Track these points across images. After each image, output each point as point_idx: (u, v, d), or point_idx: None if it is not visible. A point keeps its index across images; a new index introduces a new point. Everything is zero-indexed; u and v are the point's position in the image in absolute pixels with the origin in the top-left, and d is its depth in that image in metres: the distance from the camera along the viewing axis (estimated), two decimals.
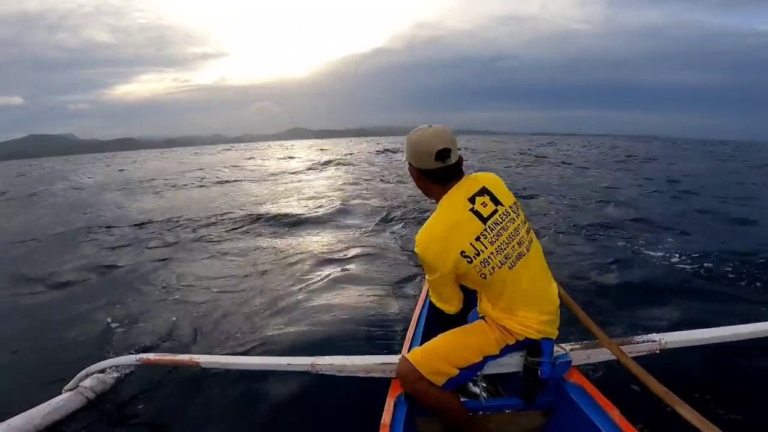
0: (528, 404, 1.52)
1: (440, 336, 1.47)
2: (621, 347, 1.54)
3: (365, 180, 11.60)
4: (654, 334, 1.61)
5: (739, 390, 1.92)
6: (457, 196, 1.38)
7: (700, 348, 1.65)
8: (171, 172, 18.53)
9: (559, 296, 1.54)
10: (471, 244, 1.31)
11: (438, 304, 1.51)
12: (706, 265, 3.88)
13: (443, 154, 1.33)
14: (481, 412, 1.55)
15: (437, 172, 1.37)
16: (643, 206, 7.03)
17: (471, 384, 1.68)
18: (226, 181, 13.17)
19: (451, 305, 1.49)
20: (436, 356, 1.40)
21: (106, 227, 6.80)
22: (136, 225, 6.89)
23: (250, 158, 26.49)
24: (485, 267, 1.32)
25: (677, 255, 4.20)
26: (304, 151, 33.97)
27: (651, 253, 4.37)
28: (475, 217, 1.34)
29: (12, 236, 6.63)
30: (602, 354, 1.56)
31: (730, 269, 3.72)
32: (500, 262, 1.34)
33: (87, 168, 26.82)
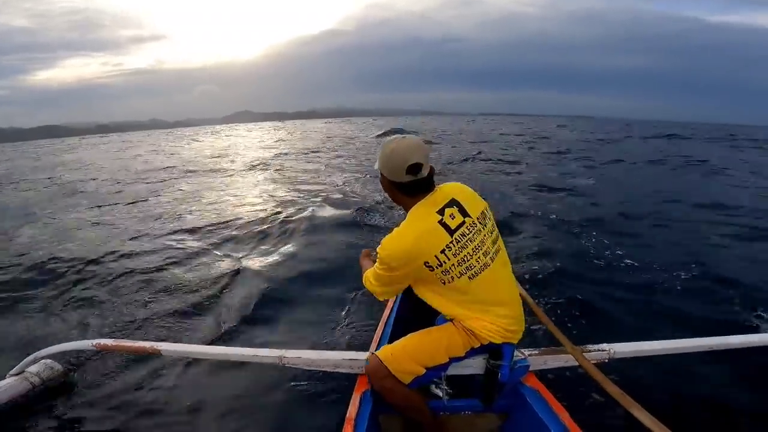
0: (486, 406, 1.59)
1: (410, 336, 1.51)
2: (572, 355, 1.63)
3: None
4: (604, 344, 1.71)
5: (681, 399, 2.08)
6: (426, 207, 1.42)
7: (648, 359, 1.76)
8: None
9: (523, 301, 1.59)
10: (436, 256, 1.36)
11: (372, 287, 1.55)
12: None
13: (414, 168, 1.37)
14: (441, 413, 1.59)
15: (407, 185, 1.41)
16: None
17: (433, 386, 1.71)
18: None
19: (384, 296, 1.57)
20: (405, 355, 1.45)
21: None
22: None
23: None
24: (446, 275, 1.39)
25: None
26: None
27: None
28: (443, 229, 1.38)
29: None
30: (558, 360, 1.67)
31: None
32: (460, 273, 1.40)
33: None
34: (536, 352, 1.66)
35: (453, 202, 1.43)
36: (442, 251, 1.36)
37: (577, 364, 1.64)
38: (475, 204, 1.48)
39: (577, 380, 1.94)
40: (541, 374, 1.66)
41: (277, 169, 11.17)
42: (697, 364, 2.19)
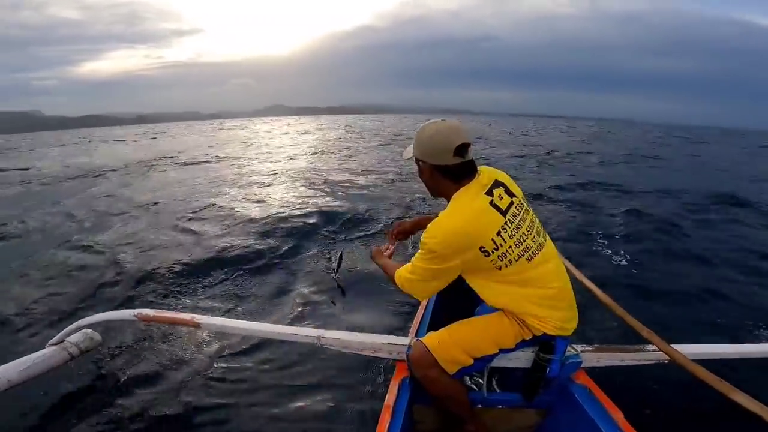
0: (526, 402, 1.48)
1: (458, 323, 1.43)
2: (630, 353, 1.52)
3: None
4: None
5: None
6: (474, 189, 1.33)
7: (714, 362, 1.60)
8: None
9: (590, 290, 1.49)
10: (492, 239, 1.27)
11: (411, 286, 1.39)
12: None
13: (462, 149, 1.29)
14: (479, 405, 1.50)
15: (454, 169, 1.32)
16: None
17: (467, 377, 1.63)
18: None
19: (426, 295, 1.47)
20: (453, 344, 1.37)
21: None
22: None
23: None
24: (502, 260, 1.29)
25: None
26: None
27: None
28: (495, 210, 1.30)
29: None
30: (614, 359, 1.57)
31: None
32: (518, 254, 1.31)
33: None
34: (590, 348, 1.56)
35: (498, 183, 1.36)
36: (498, 233, 1.27)
37: (633, 363, 1.57)
38: (516, 186, 1.42)
39: (634, 383, 1.80)
40: (592, 373, 1.54)
41: None
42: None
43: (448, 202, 1.36)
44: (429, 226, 1.30)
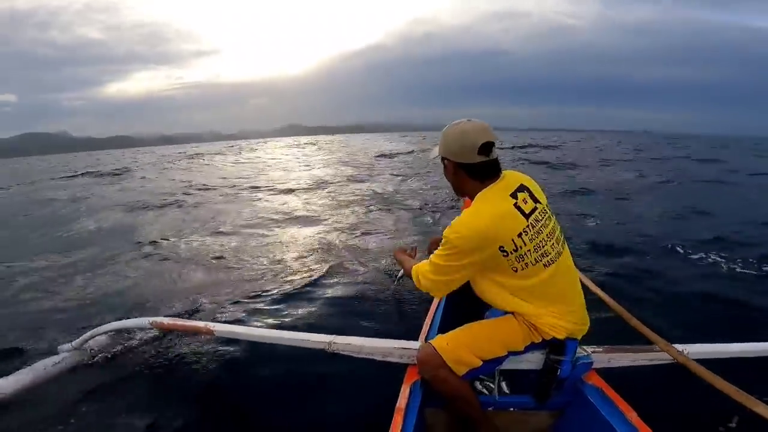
0: (539, 403, 1.48)
1: (467, 326, 1.45)
2: (641, 354, 1.52)
3: None
4: (677, 344, 1.56)
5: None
6: (499, 190, 1.34)
7: (726, 361, 1.58)
8: None
9: (601, 298, 1.49)
10: (513, 240, 1.28)
11: (427, 281, 1.41)
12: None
13: (487, 147, 1.30)
14: (490, 408, 1.50)
15: (478, 167, 1.34)
16: None
17: (477, 383, 1.64)
18: None
19: (444, 291, 1.43)
20: (462, 345, 1.38)
21: None
22: None
23: None
24: (519, 262, 1.30)
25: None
26: None
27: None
28: (519, 212, 1.30)
29: None
30: (625, 359, 1.56)
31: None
32: (536, 259, 1.32)
33: None
34: (600, 349, 1.55)
35: (523, 188, 1.37)
36: (519, 235, 1.29)
37: (645, 363, 1.57)
38: (541, 192, 1.43)
39: (645, 382, 1.78)
40: (605, 374, 1.53)
41: None
42: None
43: (472, 201, 1.38)
44: (453, 222, 1.32)
